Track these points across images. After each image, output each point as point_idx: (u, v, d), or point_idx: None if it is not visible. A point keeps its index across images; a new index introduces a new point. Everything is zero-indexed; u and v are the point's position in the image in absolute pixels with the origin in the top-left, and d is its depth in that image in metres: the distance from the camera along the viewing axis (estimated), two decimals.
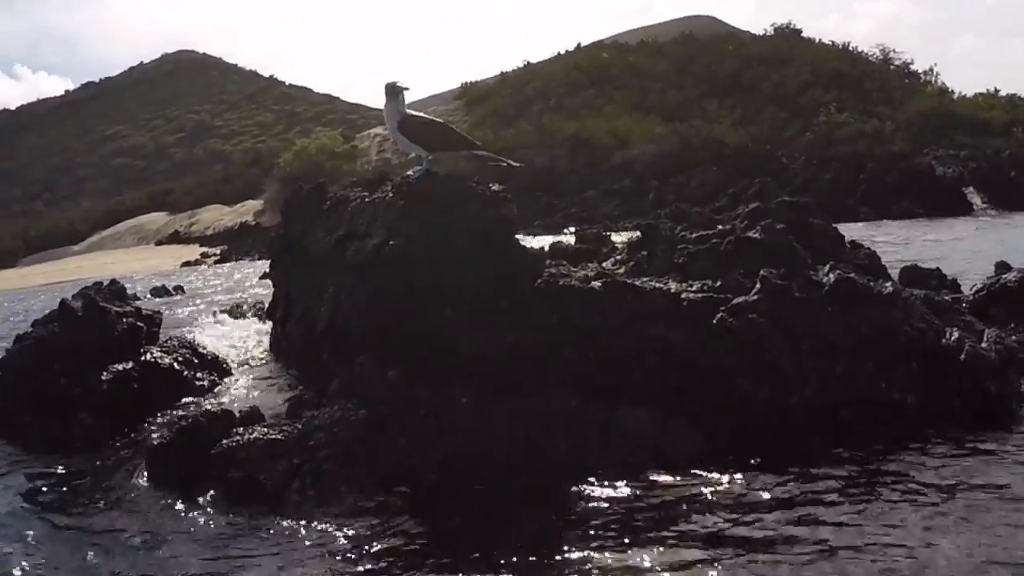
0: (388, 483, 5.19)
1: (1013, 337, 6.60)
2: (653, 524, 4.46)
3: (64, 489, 5.91)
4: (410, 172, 6.87)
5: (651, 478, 4.99)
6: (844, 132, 38.67)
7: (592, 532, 4.43)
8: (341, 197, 7.54)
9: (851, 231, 11.24)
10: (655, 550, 4.18)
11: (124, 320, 7.71)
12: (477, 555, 4.31)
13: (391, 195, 6.72)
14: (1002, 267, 8.17)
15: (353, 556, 4.40)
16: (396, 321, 6.26)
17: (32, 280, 35.30)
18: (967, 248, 15.35)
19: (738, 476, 4.93)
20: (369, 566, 4.30)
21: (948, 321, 6.41)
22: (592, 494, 4.90)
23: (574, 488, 4.98)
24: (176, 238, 51.30)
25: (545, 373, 5.93)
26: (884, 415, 5.63)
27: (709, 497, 4.71)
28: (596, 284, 6.39)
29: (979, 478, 4.71)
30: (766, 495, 4.66)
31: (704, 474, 5.00)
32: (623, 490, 4.92)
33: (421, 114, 7.10)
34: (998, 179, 26.73)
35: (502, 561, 4.23)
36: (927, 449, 5.18)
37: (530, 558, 4.25)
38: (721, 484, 4.85)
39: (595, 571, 4.05)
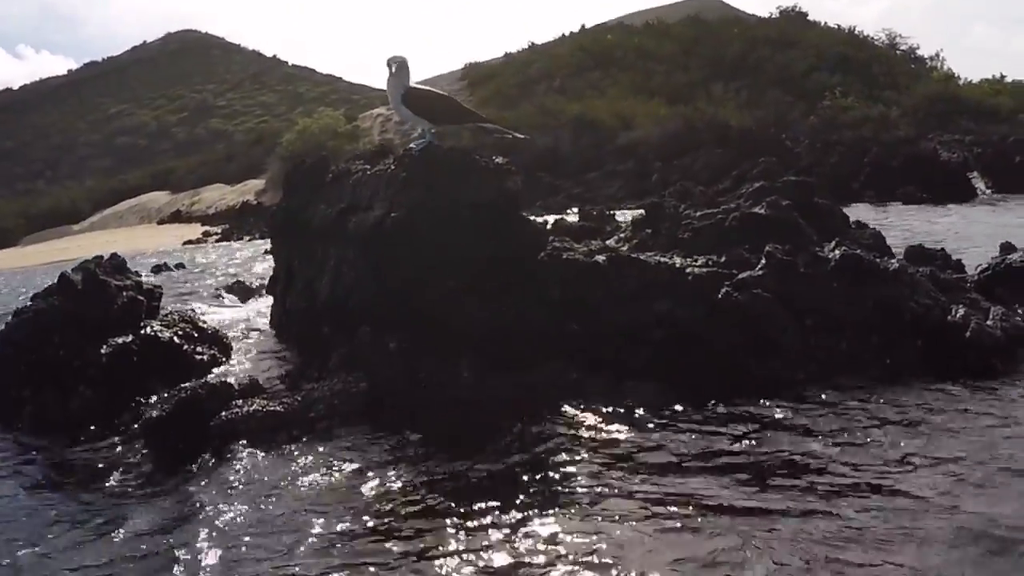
0: (388, 448, 5.15)
1: (1020, 314, 6.52)
2: (646, 484, 4.42)
3: (62, 462, 5.87)
4: (412, 144, 6.82)
5: (651, 443, 4.95)
6: (849, 117, 38.47)
7: (587, 486, 4.41)
8: (343, 170, 7.48)
9: (855, 213, 11.17)
10: (647, 505, 4.16)
11: (124, 293, 7.66)
12: (476, 501, 4.31)
13: (393, 167, 6.67)
14: (1007, 248, 8.09)
15: (350, 513, 4.35)
16: (398, 294, 6.22)
17: (34, 259, 35.28)
18: (971, 231, 15.22)
19: (738, 445, 4.86)
20: (366, 517, 4.27)
21: (954, 298, 6.36)
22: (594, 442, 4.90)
23: (575, 435, 5.00)
24: (178, 217, 51.34)
25: (548, 347, 5.89)
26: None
27: (706, 460, 4.65)
28: (600, 258, 6.35)
29: (980, 450, 4.66)
30: (767, 462, 4.61)
31: (703, 441, 4.94)
32: (620, 434, 4.95)
33: (425, 87, 7.05)
34: (1003, 164, 26.50)
35: (497, 504, 4.25)
36: (932, 420, 5.13)
37: (526, 502, 4.25)
38: (721, 449, 4.80)
39: (585, 522, 4.03)
